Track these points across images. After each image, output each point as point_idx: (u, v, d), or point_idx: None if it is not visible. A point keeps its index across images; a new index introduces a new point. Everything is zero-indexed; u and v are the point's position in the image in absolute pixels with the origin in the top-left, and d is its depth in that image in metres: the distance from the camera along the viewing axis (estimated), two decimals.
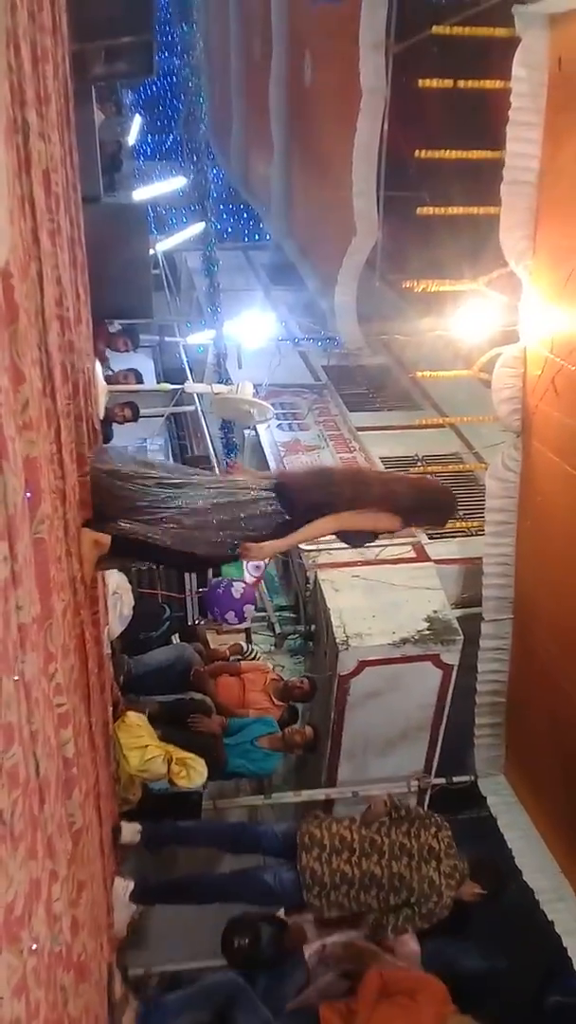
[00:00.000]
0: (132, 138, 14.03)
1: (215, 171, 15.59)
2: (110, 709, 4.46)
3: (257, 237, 16.78)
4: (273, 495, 3.65)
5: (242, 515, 3.58)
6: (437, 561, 6.62)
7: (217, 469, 8.03)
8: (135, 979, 4.80)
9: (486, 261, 6.10)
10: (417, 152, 5.91)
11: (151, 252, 9.85)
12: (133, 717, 4.73)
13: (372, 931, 4.48)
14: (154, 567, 6.04)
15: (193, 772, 4.65)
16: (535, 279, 5.39)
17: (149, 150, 19.24)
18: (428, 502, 3.86)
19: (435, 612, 6.21)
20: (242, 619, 5.91)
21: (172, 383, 8.58)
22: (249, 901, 4.55)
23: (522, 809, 6.18)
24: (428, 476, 4.07)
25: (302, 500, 3.64)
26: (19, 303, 1.84)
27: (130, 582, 5.35)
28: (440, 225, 6.51)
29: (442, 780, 6.53)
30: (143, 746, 4.60)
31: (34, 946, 1.50)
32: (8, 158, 1.86)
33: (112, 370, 8.17)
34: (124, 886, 4.40)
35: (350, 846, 4.37)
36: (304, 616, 6.92)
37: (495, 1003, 4.06)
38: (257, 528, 3.60)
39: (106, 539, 3.43)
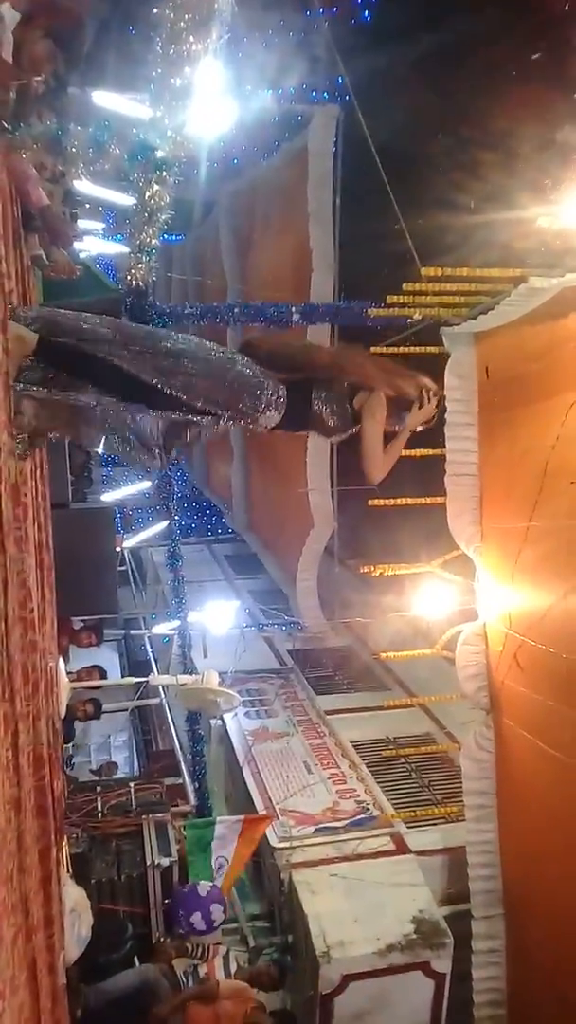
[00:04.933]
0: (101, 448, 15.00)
1: (179, 474, 16.58)
2: None
3: (220, 532, 17.53)
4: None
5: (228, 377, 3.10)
6: (418, 853, 6.24)
7: (183, 763, 7.74)
8: None
9: (440, 544, 6.40)
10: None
11: (118, 550, 10.19)
12: None
13: None
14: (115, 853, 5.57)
15: None
16: (486, 561, 5.64)
17: (117, 457, 20.53)
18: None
19: (420, 912, 5.74)
20: (209, 923, 5.37)
21: (137, 675, 8.50)
22: None
23: None
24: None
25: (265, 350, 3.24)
26: None
27: (89, 897, 4.92)
28: (393, 513, 6.88)
29: None
30: None
31: None
32: None
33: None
34: None
35: None
36: (280, 924, 6.35)
37: None
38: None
39: (32, 337, 2.80)
